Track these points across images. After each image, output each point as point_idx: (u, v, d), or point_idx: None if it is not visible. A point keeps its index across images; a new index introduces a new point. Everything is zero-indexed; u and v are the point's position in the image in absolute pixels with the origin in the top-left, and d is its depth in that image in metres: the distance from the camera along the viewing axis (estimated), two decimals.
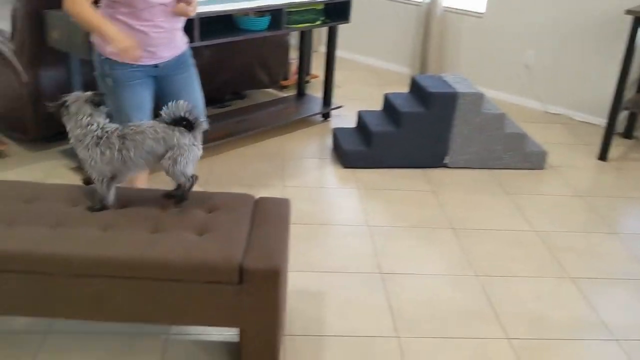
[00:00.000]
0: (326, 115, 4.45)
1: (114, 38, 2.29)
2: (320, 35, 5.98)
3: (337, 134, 3.86)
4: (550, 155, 4.00)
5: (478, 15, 5.12)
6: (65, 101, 2.05)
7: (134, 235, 1.93)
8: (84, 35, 2.88)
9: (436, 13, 5.22)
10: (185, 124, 2.03)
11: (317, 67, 5.24)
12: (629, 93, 4.36)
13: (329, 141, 4.04)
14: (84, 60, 3.19)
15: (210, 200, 2.19)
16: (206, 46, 4.03)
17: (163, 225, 2.01)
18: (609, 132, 4.00)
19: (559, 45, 4.73)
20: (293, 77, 4.90)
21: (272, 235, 2.02)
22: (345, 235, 2.96)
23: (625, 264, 2.87)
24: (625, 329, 2.42)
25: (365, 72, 5.70)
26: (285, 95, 4.72)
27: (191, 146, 2.04)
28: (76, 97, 2.05)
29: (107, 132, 2.01)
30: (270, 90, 4.87)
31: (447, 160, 3.74)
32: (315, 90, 4.82)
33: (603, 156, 4.04)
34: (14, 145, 3.63)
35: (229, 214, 2.10)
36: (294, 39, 4.99)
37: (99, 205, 2.05)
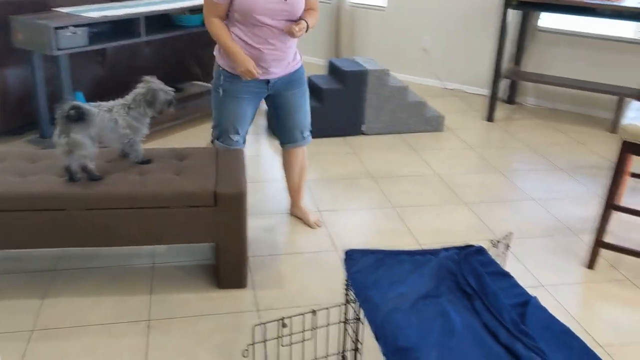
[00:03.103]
0: None
1: (238, 62, 2.58)
2: None
3: (270, 113, 4.49)
4: (448, 120, 4.81)
5: (380, 8, 5.90)
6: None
7: (127, 177, 2.48)
8: (47, 34, 3.36)
9: (344, 9, 5.96)
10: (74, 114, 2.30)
11: None
12: (509, 65, 5.26)
13: (263, 121, 4.66)
14: (45, 57, 3.66)
15: (179, 153, 2.76)
16: (147, 44, 4.57)
17: (147, 170, 2.57)
18: (493, 97, 4.85)
19: (449, 30, 5.58)
20: None
21: (234, 171, 2.62)
22: (285, 188, 3.58)
23: (505, 191, 3.67)
24: (504, 231, 3.19)
25: None
26: None
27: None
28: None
29: None
30: (202, 83, 5.43)
31: (363, 128, 4.45)
32: None
33: (490, 118, 4.89)
34: None
35: (198, 161, 2.68)
36: None
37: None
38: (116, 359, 2.20)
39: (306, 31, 2.61)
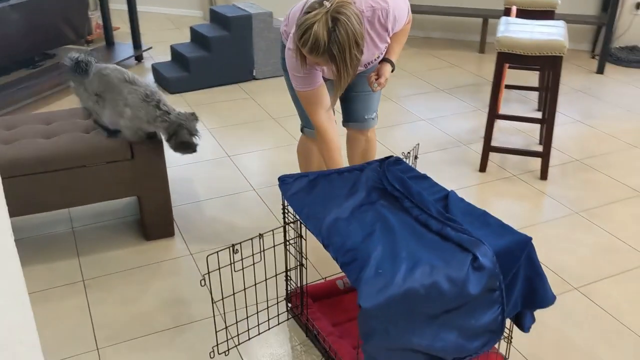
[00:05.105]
0: (139, 58, 4.92)
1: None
2: None
3: (157, 67, 4.40)
4: None
5: None
6: None
7: (36, 141, 2.40)
8: None
9: None
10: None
11: (114, 22, 5.60)
12: None
13: (150, 77, 4.56)
14: None
15: (82, 113, 2.69)
16: (14, 9, 4.27)
17: (53, 133, 2.49)
18: None
19: None
20: (97, 32, 5.25)
21: None
22: None
23: (398, 116, 3.92)
24: (404, 150, 3.45)
25: (161, 20, 6.18)
26: (93, 47, 5.06)
27: None
28: None
29: None
30: (76, 46, 5.16)
31: (255, 72, 4.50)
32: (122, 40, 5.23)
33: None
34: None
35: None
36: None
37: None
38: (60, 321, 2.19)
39: (392, 71, 2.42)
